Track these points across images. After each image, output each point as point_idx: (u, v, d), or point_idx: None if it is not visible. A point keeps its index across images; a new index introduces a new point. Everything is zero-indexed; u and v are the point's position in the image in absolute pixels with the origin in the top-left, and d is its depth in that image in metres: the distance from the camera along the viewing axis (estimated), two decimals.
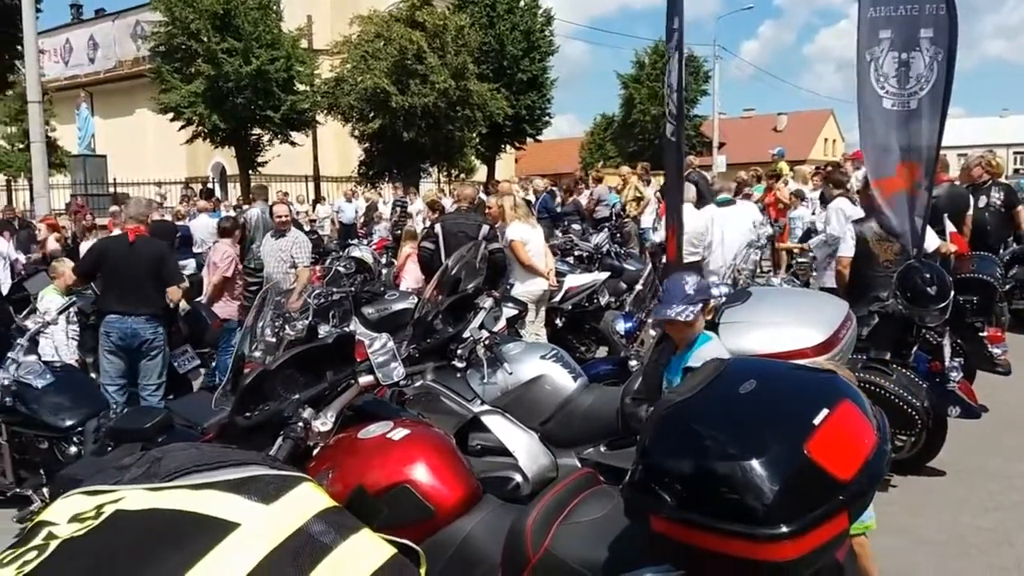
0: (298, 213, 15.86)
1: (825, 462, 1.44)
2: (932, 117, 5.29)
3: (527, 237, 6.89)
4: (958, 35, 5.17)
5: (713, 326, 3.59)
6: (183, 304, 6.40)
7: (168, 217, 13.68)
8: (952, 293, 4.84)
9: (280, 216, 7.88)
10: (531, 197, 13.68)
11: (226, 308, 7.67)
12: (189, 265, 9.69)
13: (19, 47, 18.95)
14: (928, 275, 4.84)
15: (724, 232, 7.42)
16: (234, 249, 7.95)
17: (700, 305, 3.15)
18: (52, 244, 10.38)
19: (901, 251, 5.51)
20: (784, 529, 1.39)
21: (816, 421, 1.48)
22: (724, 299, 4.30)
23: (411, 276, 8.70)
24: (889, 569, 3.75)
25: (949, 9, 5.16)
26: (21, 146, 27.06)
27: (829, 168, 10.55)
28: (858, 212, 6.66)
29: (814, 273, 7.12)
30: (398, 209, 15.08)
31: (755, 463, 1.42)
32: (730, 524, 1.42)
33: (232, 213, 14.71)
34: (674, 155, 5.75)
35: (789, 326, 3.63)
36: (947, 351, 5.04)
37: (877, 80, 5.38)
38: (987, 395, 5.15)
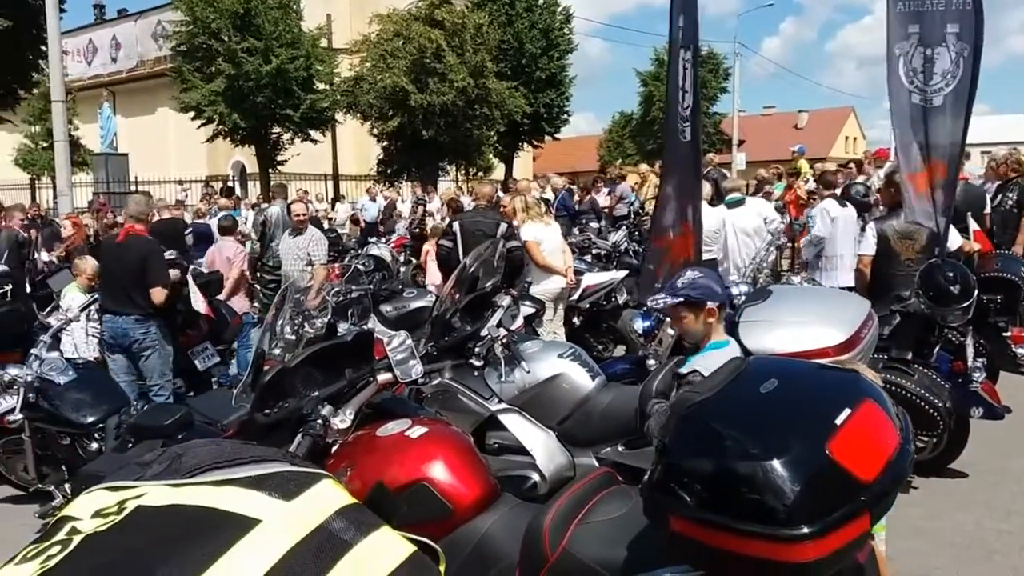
0: (316, 211, 15.92)
1: (847, 462, 1.42)
2: (956, 114, 5.23)
3: (541, 237, 6.90)
4: (984, 31, 5.11)
5: (733, 325, 3.57)
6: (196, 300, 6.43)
7: (188, 216, 13.81)
8: (976, 292, 4.79)
9: (297, 214, 7.94)
10: (549, 195, 13.65)
11: (239, 303, 7.76)
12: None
13: (43, 47, 19.15)
14: (951, 274, 4.79)
15: (736, 233, 7.42)
16: (240, 245, 8.14)
17: (681, 299, 3.00)
18: (52, 256, 10.37)
19: (923, 249, 5.47)
20: (805, 530, 1.37)
21: (838, 421, 1.47)
22: (744, 298, 4.28)
23: (433, 272, 8.76)
24: (909, 572, 3.72)
25: (975, 4, 5.10)
26: (45, 145, 27.40)
27: (829, 168, 10.53)
28: (845, 213, 6.76)
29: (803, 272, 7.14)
30: (420, 208, 15.10)
31: (776, 463, 1.40)
32: (750, 525, 1.40)
33: (250, 212, 14.84)
34: (691, 156, 5.75)
35: (810, 325, 3.61)
36: (970, 351, 4.99)
37: (907, 75, 5.33)
38: (1010, 396, 5.10)
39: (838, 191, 7.45)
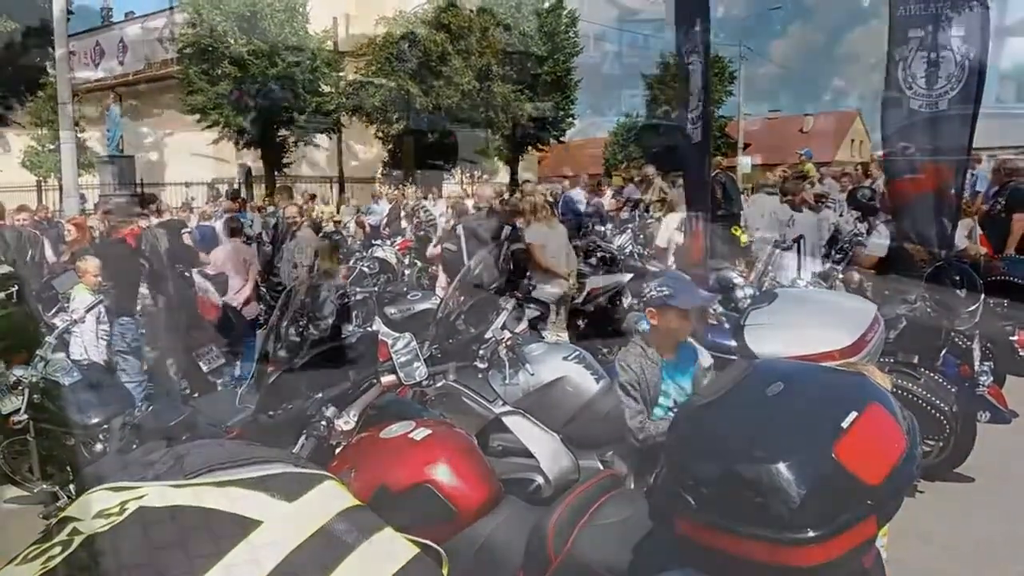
0: (322, 214, 15.93)
1: (853, 466, 1.41)
2: (963, 118, 5.20)
3: (546, 239, 6.89)
4: (990, 34, 5.09)
5: (739, 328, 3.56)
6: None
7: (194, 219, 13.82)
8: (982, 296, 4.77)
9: (288, 218, 7.97)
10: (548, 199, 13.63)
11: (248, 306, 7.76)
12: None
13: (50, 49, 19.22)
14: (958, 277, 4.77)
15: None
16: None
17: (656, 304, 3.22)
18: (48, 251, 10.33)
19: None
20: (811, 534, 1.37)
21: (845, 424, 1.46)
22: (749, 301, 4.26)
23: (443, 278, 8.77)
24: None
25: (981, 7, 5.08)
26: (51, 147, 27.47)
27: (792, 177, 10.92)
28: (800, 217, 7.40)
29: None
30: (420, 212, 15.09)
31: (782, 467, 1.39)
32: (756, 528, 1.40)
33: (255, 215, 14.87)
34: (697, 157, 5.77)
35: (816, 328, 3.59)
36: (977, 355, 4.96)
37: (904, 80, 5.31)
38: (1017, 400, 5.06)
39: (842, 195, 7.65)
